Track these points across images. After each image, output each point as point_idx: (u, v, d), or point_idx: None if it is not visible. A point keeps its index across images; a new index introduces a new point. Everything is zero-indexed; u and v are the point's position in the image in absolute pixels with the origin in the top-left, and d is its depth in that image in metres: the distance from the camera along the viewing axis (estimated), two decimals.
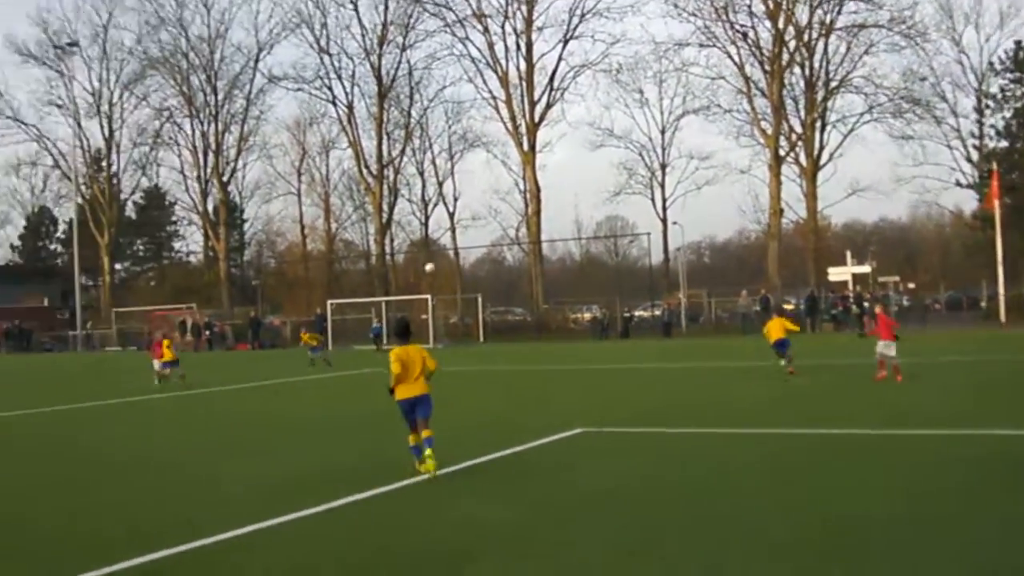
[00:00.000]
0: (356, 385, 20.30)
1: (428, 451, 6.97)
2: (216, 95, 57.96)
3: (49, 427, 13.74)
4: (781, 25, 45.56)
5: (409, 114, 55.39)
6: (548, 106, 50.83)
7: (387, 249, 56.63)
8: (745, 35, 45.99)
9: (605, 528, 5.95)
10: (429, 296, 41.13)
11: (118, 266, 70.21)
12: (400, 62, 54.15)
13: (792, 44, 46.46)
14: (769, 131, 46.36)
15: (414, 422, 7.19)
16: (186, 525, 6.26)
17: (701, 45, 47.09)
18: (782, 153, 46.91)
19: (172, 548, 5.63)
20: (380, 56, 53.04)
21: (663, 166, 58.70)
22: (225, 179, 59.73)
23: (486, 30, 51.03)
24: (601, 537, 5.73)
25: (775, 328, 16.67)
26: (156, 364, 20.44)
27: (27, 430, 13.48)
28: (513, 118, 49.90)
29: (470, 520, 6.25)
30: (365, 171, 55.77)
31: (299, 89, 56.55)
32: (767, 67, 45.90)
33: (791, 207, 49.71)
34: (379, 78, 52.65)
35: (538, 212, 49.65)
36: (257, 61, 57.74)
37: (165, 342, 20.47)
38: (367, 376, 22.85)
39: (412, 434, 7.33)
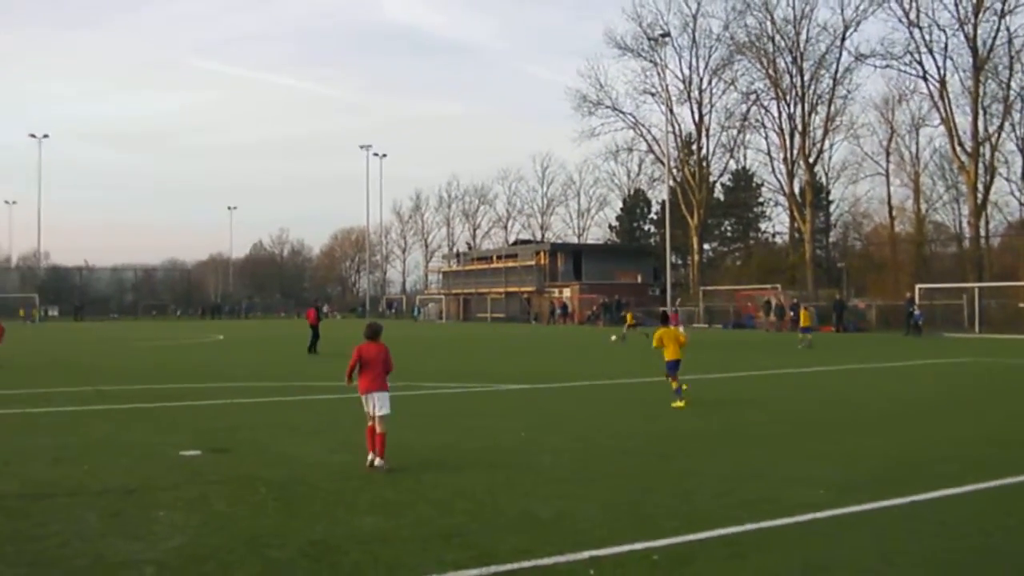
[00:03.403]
0: (953, 373, 26.10)
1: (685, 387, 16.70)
2: (802, 76, 77.33)
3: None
4: None
5: (1008, 86, 67.49)
6: None
7: (981, 232, 69.80)
8: None
9: None
10: None
11: (706, 246, 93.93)
12: (998, 30, 66.20)
13: None
14: None
15: (674, 374, 16.87)
16: (772, 503, 8.67)
17: None
18: None
19: (753, 524, 7.89)
20: (975, 25, 66.41)
21: None
22: (811, 160, 78.21)
23: None
24: None
25: None
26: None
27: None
28: None
29: None
30: (958, 149, 69.40)
31: (887, 66, 73.29)
32: None
33: None
34: (974, 49, 66.39)
35: None
36: (843, 39, 75.00)
37: (804, 311, 36.37)
38: (965, 366, 29.24)
39: (673, 381, 16.87)
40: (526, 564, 6.99)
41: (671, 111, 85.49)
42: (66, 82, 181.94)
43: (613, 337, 44.05)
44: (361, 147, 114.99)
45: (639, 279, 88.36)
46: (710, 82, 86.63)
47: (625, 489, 9.77)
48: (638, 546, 7.43)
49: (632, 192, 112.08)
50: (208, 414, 16.51)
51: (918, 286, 56.89)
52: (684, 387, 17.40)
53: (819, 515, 8.43)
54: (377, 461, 10.76)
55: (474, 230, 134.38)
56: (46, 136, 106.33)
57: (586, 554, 7.19)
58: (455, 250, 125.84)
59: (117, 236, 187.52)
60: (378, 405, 10.77)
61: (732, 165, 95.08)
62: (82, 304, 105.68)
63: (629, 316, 47.42)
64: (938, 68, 71.18)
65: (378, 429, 10.78)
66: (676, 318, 41.75)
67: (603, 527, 8.08)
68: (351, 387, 11.34)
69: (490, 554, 7.24)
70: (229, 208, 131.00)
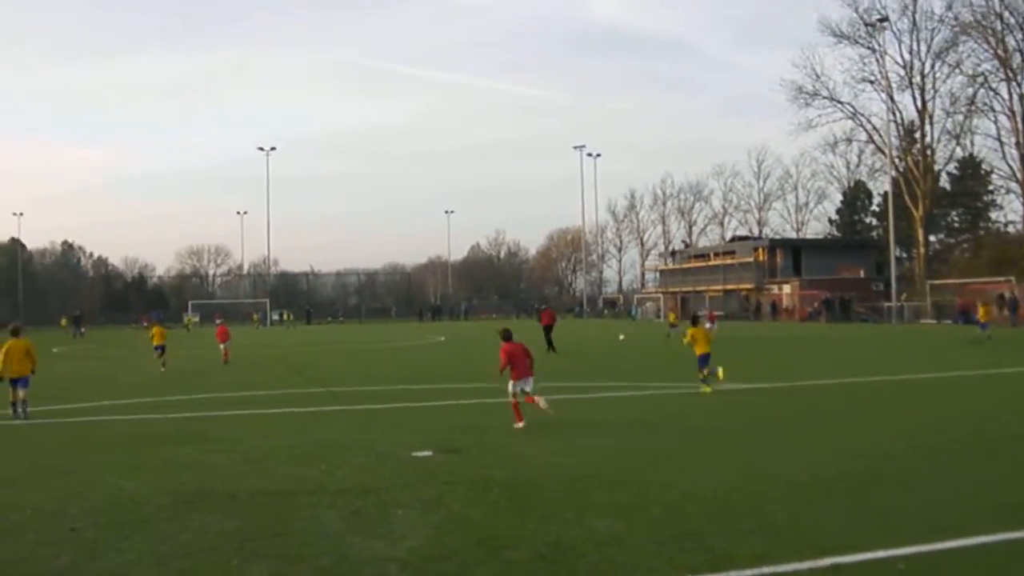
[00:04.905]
0: None
1: (720, 371, 18.96)
2: None
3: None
4: None
5: None
6: None
7: None
8: None
9: None
10: None
11: (932, 237, 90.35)
12: None
13: None
14: None
15: (704, 366, 19.14)
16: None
17: None
18: None
19: (1008, 533, 7.43)
20: None
21: None
22: None
23: None
24: None
25: None
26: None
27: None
28: None
29: None
30: None
31: None
32: None
33: None
34: None
35: None
36: None
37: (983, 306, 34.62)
38: None
39: (701, 372, 19.21)
40: (765, 570, 6.79)
41: (891, 99, 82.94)
42: (289, 96, 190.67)
43: (621, 336, 46.23)
44: (575, 147, 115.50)
45: (862, 274, 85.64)
46: (933, 66, 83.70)
47: (864, 493, 9.40)
48: (882, 554, 7.12)
49: (852, 184, 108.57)
50: (437, 415, 16.89)
51: None
52: (718, 374, 19.39)
53: None
54: (542, 403, 14.48)
55: (690, 227, 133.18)
56: (273, 148, 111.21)
57: (827, 561, 6.94)
58: (671, 248, 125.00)
59: (340, 242, 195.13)
60: (527, 386, 14.55)
61: (958, 152, 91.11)
62: (310, 308, 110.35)
63: (672, 315, 52.01)
64: None
65: (535, 400, 14.45)
66: (713, 317, 48.04)
67: (843, 533, 7.78)
68: (501, 379, 14.91)
69: (727, 559, 7.07)
70: (446, 212, 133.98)
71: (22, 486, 10.74)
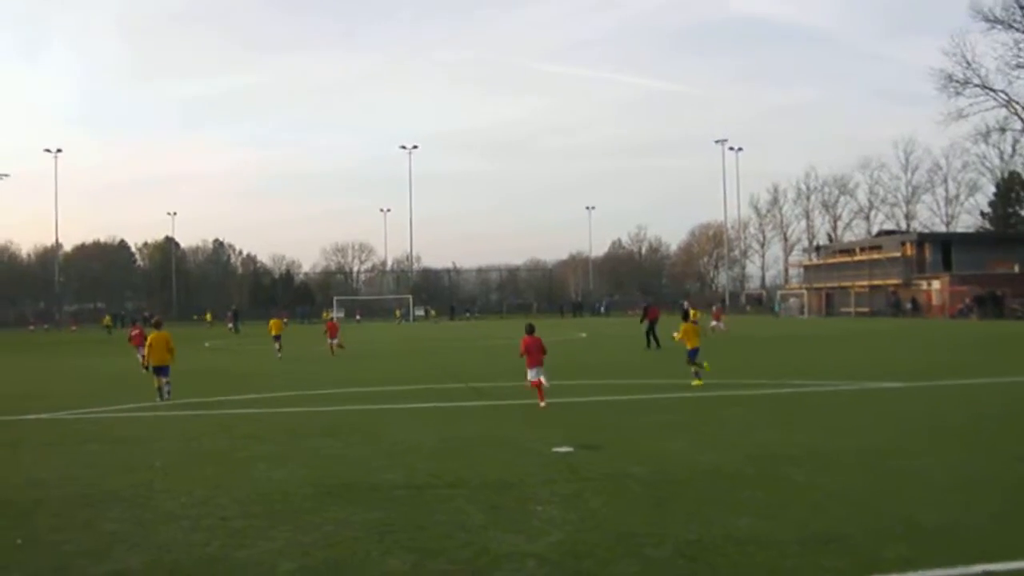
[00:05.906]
0: None
1: (705, 364, 20.54)
2: None
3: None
4: None
5: None
6: None
7: None
8: None
9: None
10: None
11: None
12: None
13: None
14: None
15: (694, 359, 20.38)
16: None
17: None
18: None
19: None
20: None
21: None
22: None
23: None
24: None
25: None
26: None
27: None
28: None
29: None
30: None
31: None
32: None
33: None
34: None
35: None
36: None
37: None
38: None
39: (692, 365, 20.41)
40: (911, 575, 6.62)
41: None
42: (429, 95, 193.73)
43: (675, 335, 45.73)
44: (716, 142, 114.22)
45: (1016, 269, 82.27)
46: None
47: (1016, 499, 9.05)
48: None
49: (1006, 175, 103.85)
50: (577, 411, 16.84)
51: None
52: (706, 367, 20.73)
53: None
54: (545, 382, 17.14)
55: (834, 222, 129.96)
56: (415, 147, 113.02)
57: (979, 568, 6.69)
58: (815, 243, 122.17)
59: (482, 238, 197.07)
60: (538, 374, 17.03)
61: None
62: (454, 304, 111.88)
63: (694, 312, 50.76)
64: None
65: (540, 382, 17.02)
66: (719, 315, 48.91)
67: (995, 539, 7.51)
68: (521, 358, 17.60)
69: (873, 562, 6.90)
70: (587, 208, 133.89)
71: (177, 474, 11.14)
